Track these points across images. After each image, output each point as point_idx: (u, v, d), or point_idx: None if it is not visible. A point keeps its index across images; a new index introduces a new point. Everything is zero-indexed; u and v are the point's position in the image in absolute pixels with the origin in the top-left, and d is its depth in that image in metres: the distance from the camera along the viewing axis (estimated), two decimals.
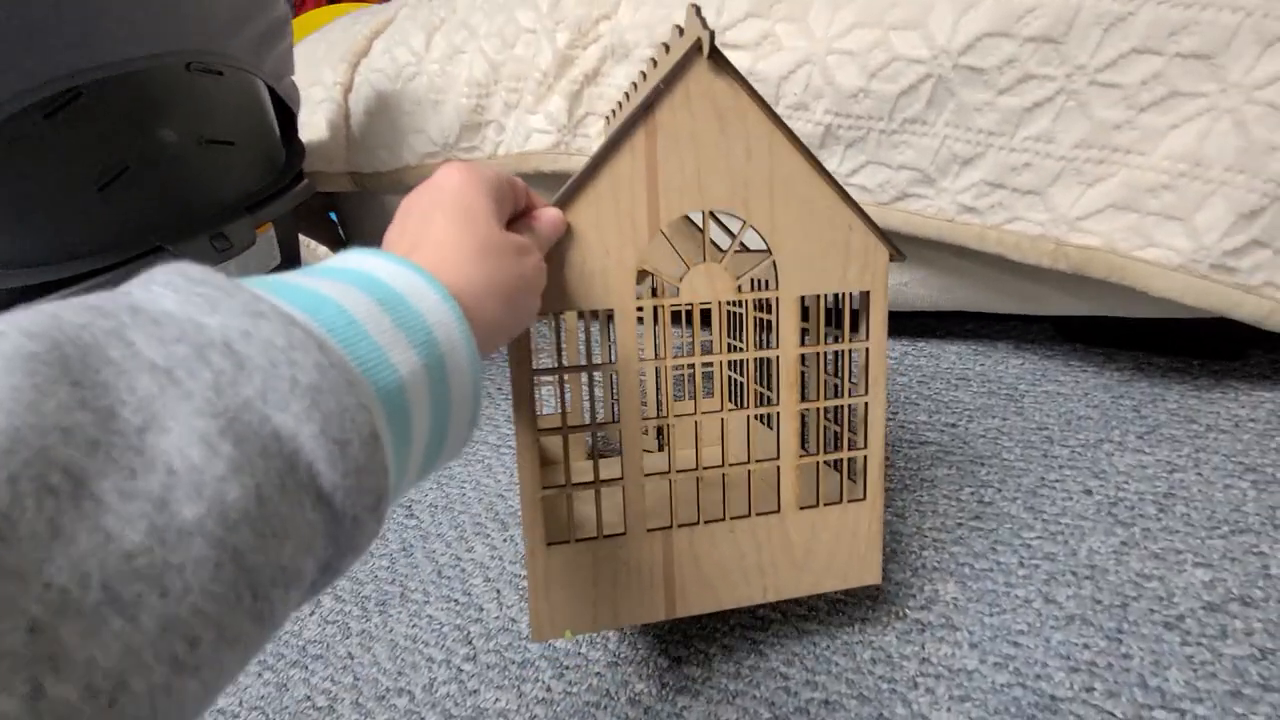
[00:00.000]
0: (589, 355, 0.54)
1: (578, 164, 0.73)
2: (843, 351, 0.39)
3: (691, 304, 0.38)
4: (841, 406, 0.39)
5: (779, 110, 0.62)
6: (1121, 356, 0.72)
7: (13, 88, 0.48)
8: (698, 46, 0.31)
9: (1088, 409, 0.63)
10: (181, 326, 0.15)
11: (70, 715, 0.11)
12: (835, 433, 0.41)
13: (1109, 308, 0.62)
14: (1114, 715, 0.35)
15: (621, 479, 0.36)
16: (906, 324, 0.84)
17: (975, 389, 0.69)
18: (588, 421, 0.58)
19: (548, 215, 0.31)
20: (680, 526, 0.37)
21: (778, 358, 0.37)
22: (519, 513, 0.60)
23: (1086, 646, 0.39)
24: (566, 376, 0.60)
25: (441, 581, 0.53)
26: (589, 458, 0.59)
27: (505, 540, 0.57)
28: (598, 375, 0.72)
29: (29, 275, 0.54)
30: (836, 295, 0.38)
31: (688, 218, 0.46)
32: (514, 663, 0.44)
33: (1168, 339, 0.69)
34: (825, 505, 0.38)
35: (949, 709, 0.37)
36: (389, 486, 0.18)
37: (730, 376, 0.57)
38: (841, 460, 0.39)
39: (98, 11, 0.49)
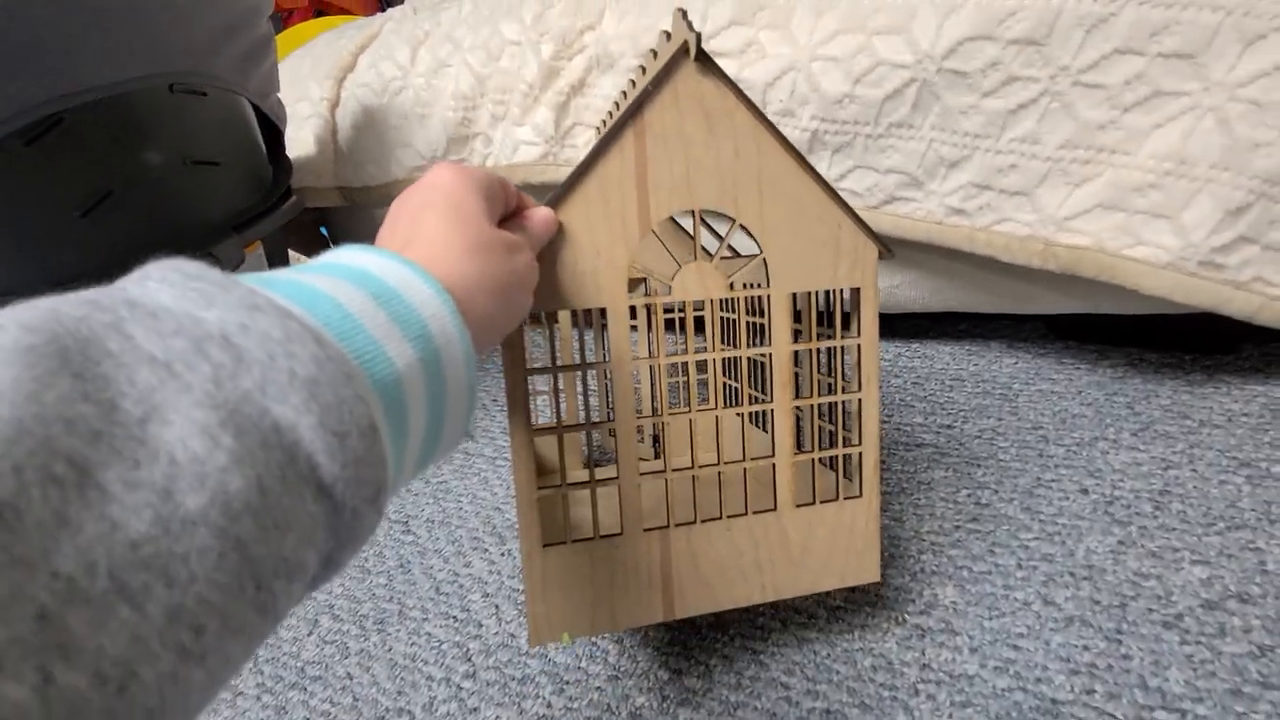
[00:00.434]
0: (583, 355, 0.54)
1: (566, 175, 0.73)
2: (835, 350, 0.39)
3: (684, 306, 0.38)
4: (835, 405, 0.39)
5: None
6: (1114, 353, 0.72)
7: None
8: (684, 48, 0.32)
9: (1082, 407, 0.63)
10: (179, 320, 0.15)
11: (80, 703, 0.11)
12: (830, 431, 0.41)
13: (1099, 305, 0.62)
14: (1115, 717, 0.35)
15: (617, 479, 0.35)
16: (899, 326, 0.84)
17: (969, 389, 0.69)
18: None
19: (539, 215, 0.32)
20: (677, 526, 0.37)
21: (770, 357, 0.37)
22: (516, 525, 0.60)
23: (1086, 648, 0.39)
24: (561, 383, 0.60)
25: (440, 598, 0.53)
26: (585, 466, 0.59)
27: (503, 554, 0.57)
28: (592, 383, 0.72)
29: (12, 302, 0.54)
30: (828, 295, 0.38)
31: (676, 223, 0.46)
32: (514, 679, 0.44)
33: (1160, 335, 0.69)
34: (822, 503, 0.38)
35: (950, 715, 0.37)
36: (388, 478, 0.18)
37: (725, 383, 0.57)
38: (836, 459, 0.39)
39: (78, 36, 0.49)
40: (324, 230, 1.13)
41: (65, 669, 0.11)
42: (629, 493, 0.36)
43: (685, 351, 0.38)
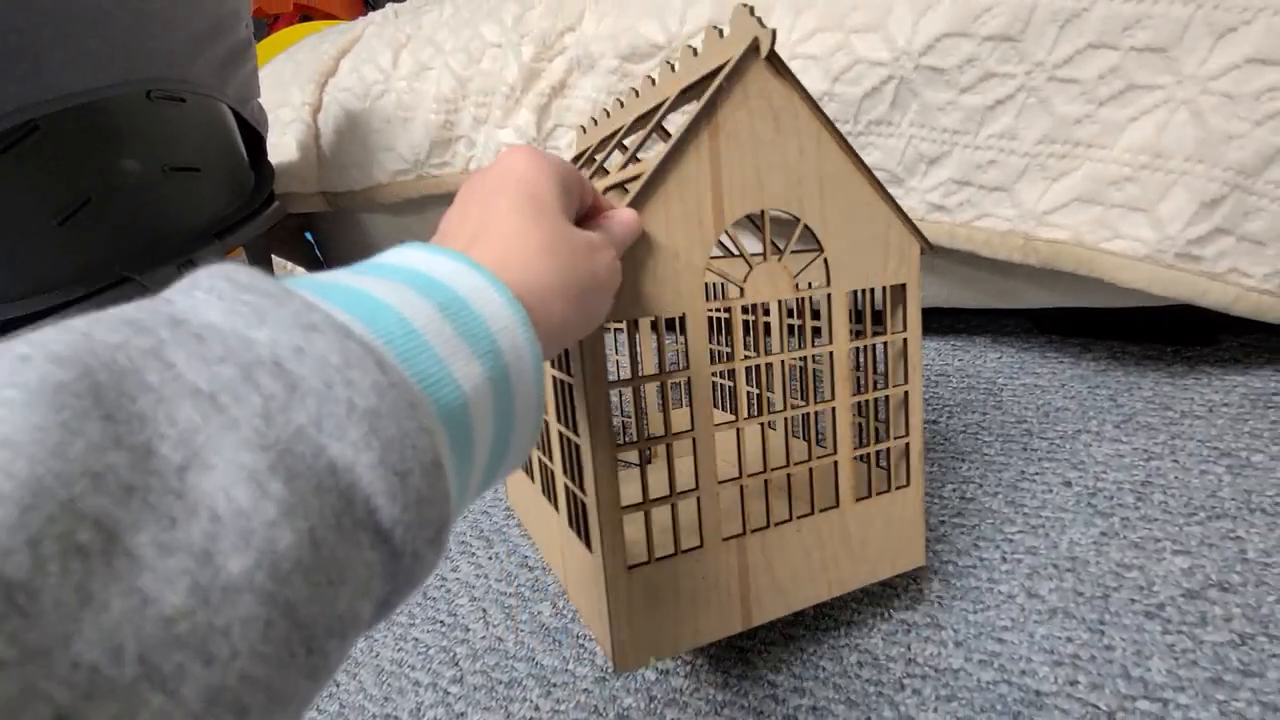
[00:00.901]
0: (663, 363, 0.53)
1: None
2: (869, 346, 0.39)
3: (755, 308, 0.37)
4: (873, 400, 0.40)
5: None
6: (1097, 346, 0.72)
7: None
8: (755, 46, 0.31)
9: (1065, 400, 0.63)
10: (227, 343, 0.14)
11: None
12: (875, 426, 0.41)
13: (1081, 299, 0.63)
14: (1098, 708, 0.35)
15: (697, 490, 0.34)
16: None
17: (955, 384, 0.70)
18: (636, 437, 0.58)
19: (623, 215, 0.30)
20: (753, 532, 0.36)
21: (830, 354, 0.37)
22: (503, 530, 0.60)
23: (1069, 639, 0.39)
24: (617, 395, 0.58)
25: (427, 603, 0.53)
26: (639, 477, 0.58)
27: (490, 558, 0.56)
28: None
29: None
30: (870, 293, 0.38)
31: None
32: (501, 683, 0.44)
33: (1142, 327, 0.69)
34: (878, 495, 0.39)
35: (935, 709, 0.37)
36: (450, 515, 0.16)
37: (750, 391, 0.56)
38: (877, 452, 0.40)
39: (51, 43, 0.49)
40: (309, 235, 1.12)
41: None
42: (709, 504, 0.35)
43: (732, 357, 0.37)
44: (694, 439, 0.34)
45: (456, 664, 0.46)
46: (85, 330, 0.13)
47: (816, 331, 0.40)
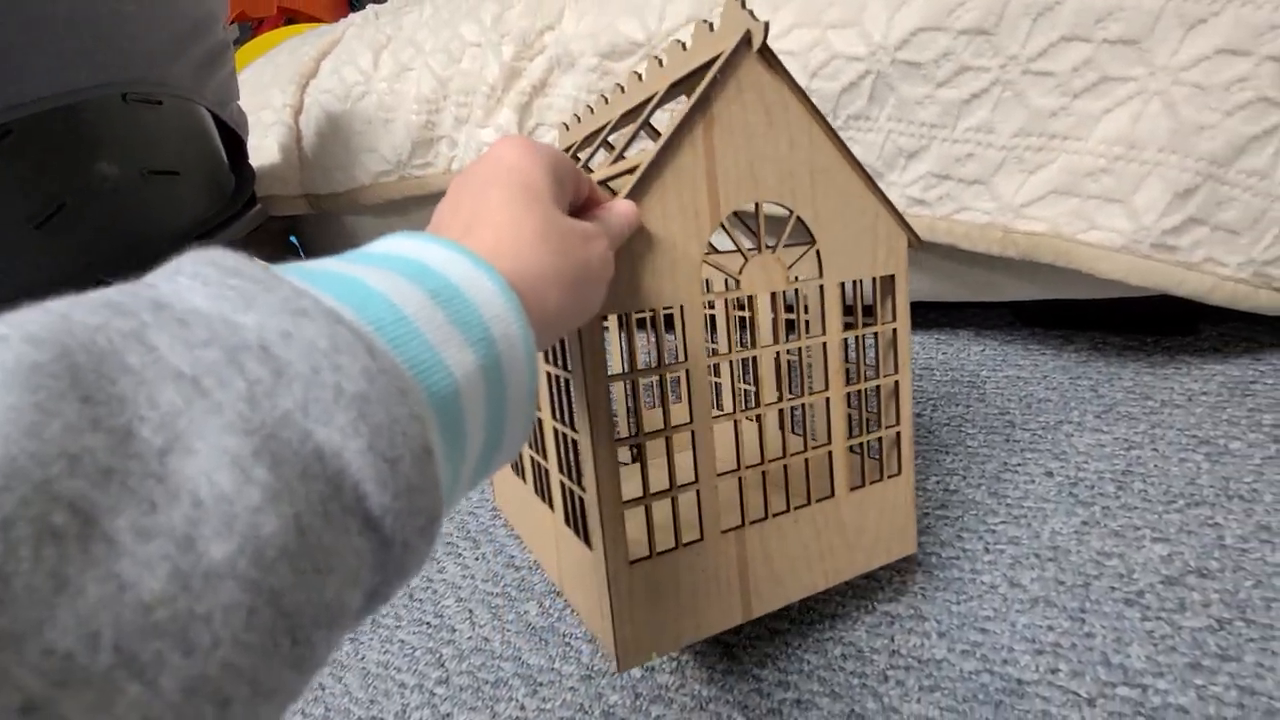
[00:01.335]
0: (661, 356, 0.52)
1: None
2: (860, 338, 0.39)
3: (751, 301, 0.37)
4: (864, 390, 0.40)
5: None
6: (1079, 338, 0.73)
7: None
8: (747, 39, 0.31)
9: (1047, 391, 0.64)
10: (212, 326, 0.13)
11: None
12: (865, 416, 0.41)
13: (1061, 290, 0.63)
14: (1078, 695, 0.36)
15: (696, 483, 0.34)
16: None
17: (938, 378, 0.70)
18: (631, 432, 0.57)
19: (620, 207, 0.29)
20: (752, 524, 0.36)
21: (823, 345, 0.37)
22: (489, 530, 0.60)
23: (1051, 628, 0.40)
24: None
25: (413, 605, 0.52)
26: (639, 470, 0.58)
27: (477, 558, 0.56)
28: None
29: None
30: (858, 285, 0.38)
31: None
32: (487, 683, 0.44)
33: (1123, 319, 0.70)
34: (870, 484, 0.39)
35: (919, 700, 0.37)
36: (441, 504, 0.16)
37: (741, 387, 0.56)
38: (868, 442, 0.40)
39: (24, 46, 0.48)
40: (293, 238, 1.11)
41: None
42: (709, 497, 0.35)
43: (724, 350, 0.37)
44: (692, 432, 0.34)
45: (442, 665, 0.46)
46: (64, 312, 0.13)
47: (805, 324, 0.41)
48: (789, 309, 0.43)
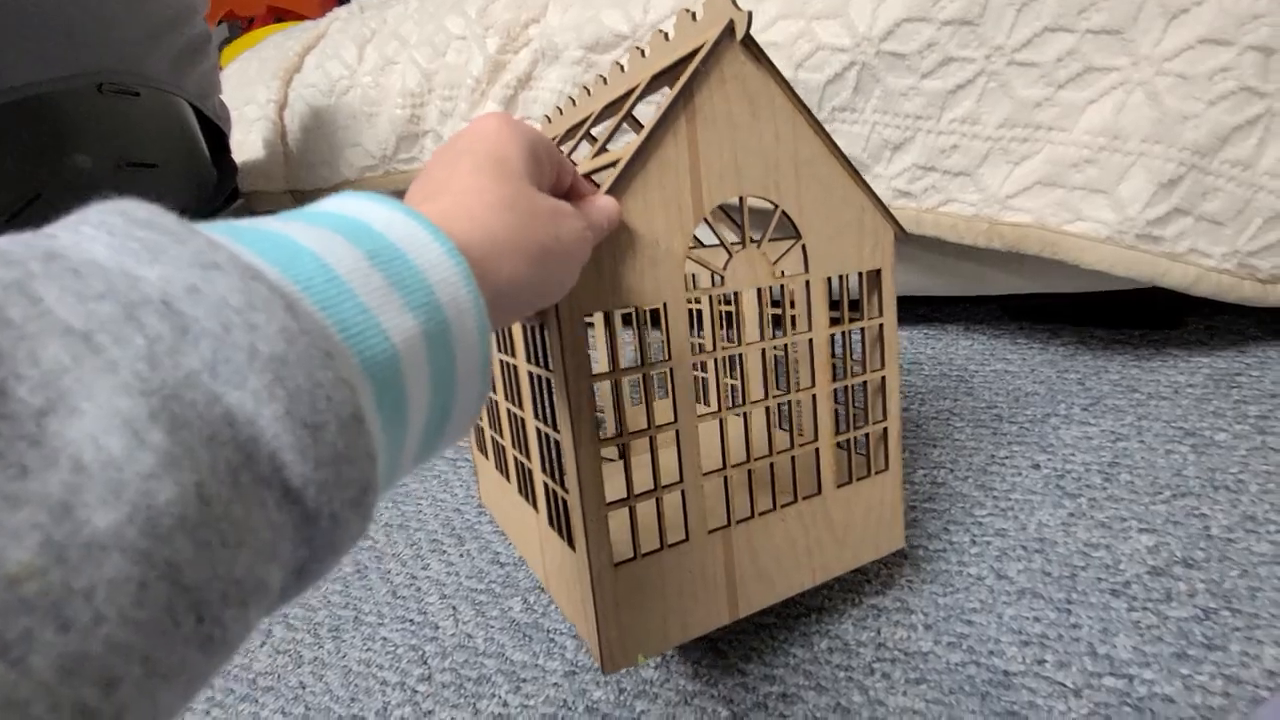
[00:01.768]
0: (644, 354, 0.50)
1: None
2: (847, 333, 0.39)
3: (736, 297, 0.37)
4: (850, 386, 0.40)
5: None
6: (1066, 332, 0.73)
7: None
8: (730, 29, 0.31)
9: (1035, 385, 0.64)
10: (109, 279, 0.12)
11: None
12: (851, 411, 0.41)
13: (1047, 283, 0.63)
14: (1065, 685, 0.35)
15: (681, 483, 0.34)
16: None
17: (927, 372, 0.70)
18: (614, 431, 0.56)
19: (602, 201, 0.29)
20: (738, 523, 0.36)
21: (809, 341, 0.37)
22: (475, 527, 0.59)
23: (1037, 619, 0.39)
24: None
25: (396, 602, 0.52)
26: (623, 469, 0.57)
27: (461, 555, 0.56)
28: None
29: None
30: (844, 279, 0.38)
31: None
32: (470, 680, 0.43)
33: (1110, 312, 0.70)
34: (858, 480, 0.39)
35: (905, 692, 0.37)
36: (376, 476, 0.15)
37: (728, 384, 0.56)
38: (854, 438, 0.40)
39: None
40: None
41: None
42: (694, 497, 0.34)
43: (709, 347, 0.36)
44: (677, 431, 0.34)
45: (425, 662, 0.45)
46: None
47: (792, 319, 0.40)
48: (775, 304, 0.42)
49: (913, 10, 0.53)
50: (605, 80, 0.44)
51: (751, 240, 0.35)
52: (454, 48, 0.73)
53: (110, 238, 0.13)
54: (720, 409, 0.37)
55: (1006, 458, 0.54)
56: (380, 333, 0.16)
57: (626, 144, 0.32)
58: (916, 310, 0.85)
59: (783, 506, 0.37)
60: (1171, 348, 0.66)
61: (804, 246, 0.36)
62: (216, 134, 0.73)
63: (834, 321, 0.38)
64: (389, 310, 0.16)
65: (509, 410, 0.44)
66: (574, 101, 0.49)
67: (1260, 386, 0.57)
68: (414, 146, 0.79)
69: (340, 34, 0.85)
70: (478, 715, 0.40)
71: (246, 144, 0.86)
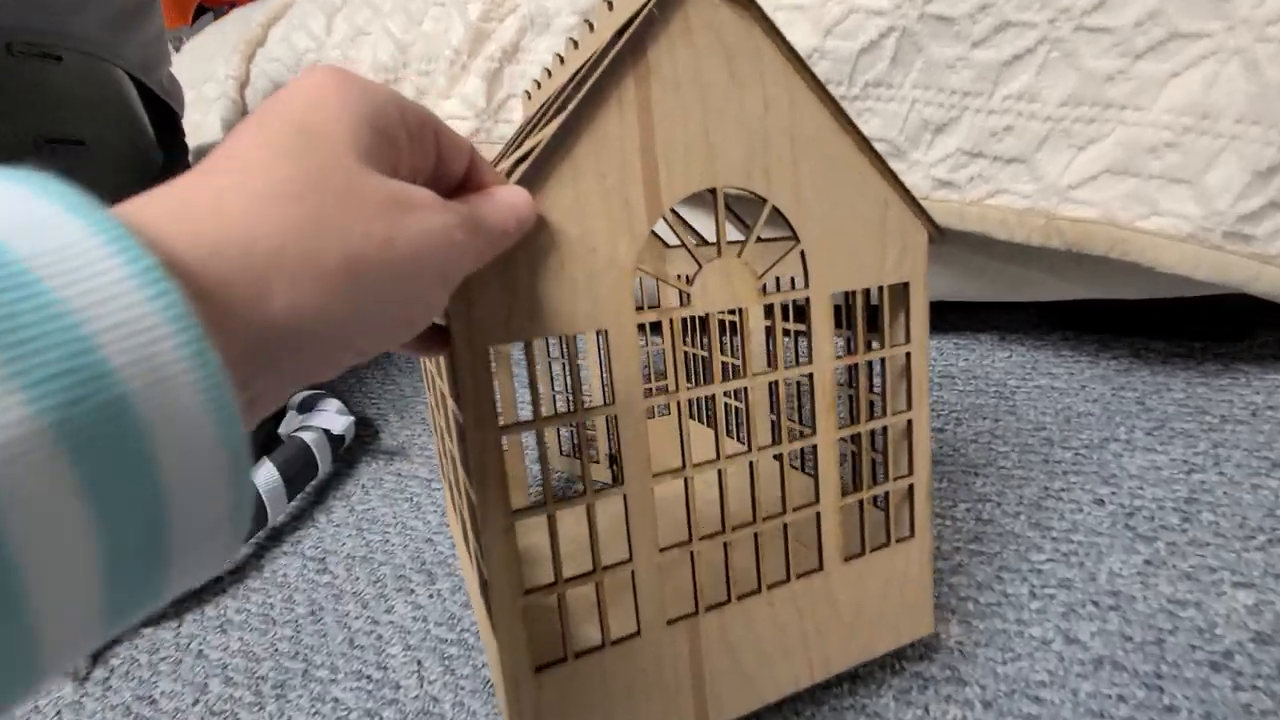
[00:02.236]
0: (576, 393, 0.41)
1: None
2: (861, 364, 0.31)
3: (709, 318, 0.28)
4: (873, 430, 0.32)
5: None
6: (1116, 343, 0.68)
7: None
8: None
9: (1087, 404, 0.57)
10: None
11: None
12: (865, 460, 0.33)
13: (1110, 289, 0.57)
14: None
15: (630, 562, 0.27)
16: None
17: (961, 387, 0.63)
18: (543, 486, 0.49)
19: (505, 193, 0.22)
20: (708, 610, 0.29)
21: (809, 377, 0.29)
22: (449, 562, 0.52)
23: (1122, 699, 0.33)
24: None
25: (353, 654, 0.45)
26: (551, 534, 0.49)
27: (431, 596, 0.49)
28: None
29: None
30: (850, 294, 0.30)
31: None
32: None
33: (1164, 321, 0.64)
34: (872, 551, 0.32)
35: None
36: None
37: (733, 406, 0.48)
38: (881, 494, 0.32)
39: None
40: None
41: None
42: (647, 581, 0.27)
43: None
44: (624, 495, 0.26)
45: None
46: None
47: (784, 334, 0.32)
48: (800, 313, 0.33)
49: None
50: (576, 44, 0.36)
51: (731, 243, 0.27)
52: (431, 15, 0.66)
53: None
54: (685, 465, 0.28)
55: (1063, 490, 0.47)
56: None
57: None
58: (946, 316, 0.79)
59: (770, 588, 0.30)
60: (1241, 363, 0.59)
61: (802, 253, 0.28)
62: (166, 112, 0.65)
63: (849, 349, 0.31)
64: None
65: (445, 443, 0.36)
66: (549, 73, 0.41)
67: None
68: None
69: (308, 3, 0.77)
70: None
71: (205, 125, 0.79)
